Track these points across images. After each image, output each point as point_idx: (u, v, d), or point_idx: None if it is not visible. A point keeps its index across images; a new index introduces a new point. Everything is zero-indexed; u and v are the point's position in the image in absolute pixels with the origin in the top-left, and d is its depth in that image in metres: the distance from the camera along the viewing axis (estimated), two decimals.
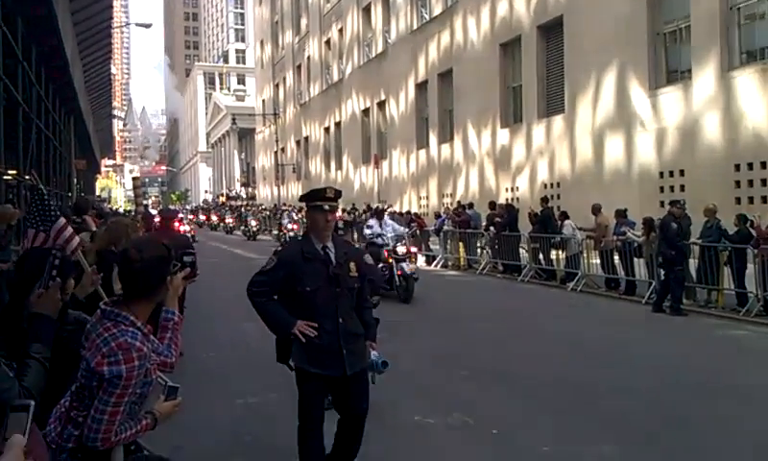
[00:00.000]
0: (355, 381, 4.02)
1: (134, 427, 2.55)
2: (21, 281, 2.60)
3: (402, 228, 16.21)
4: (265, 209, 45.23)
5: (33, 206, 3.44)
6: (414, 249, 16.45)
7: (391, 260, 13.53)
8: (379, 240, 13.91)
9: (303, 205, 4.17)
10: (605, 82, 20.08)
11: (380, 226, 14.37)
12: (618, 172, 19.69)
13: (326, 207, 3.98)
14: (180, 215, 31.26)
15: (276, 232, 31.74)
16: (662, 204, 16.60)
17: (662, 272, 12.05)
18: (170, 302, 2.84)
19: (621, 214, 14.58)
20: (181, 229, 27.53)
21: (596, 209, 15.32)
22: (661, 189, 18.15)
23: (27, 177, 15.69)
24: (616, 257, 14.48)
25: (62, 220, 3.46)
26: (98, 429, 2.41)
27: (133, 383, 2.44)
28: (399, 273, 13.28)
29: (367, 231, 14.57)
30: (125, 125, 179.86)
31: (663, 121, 18.21)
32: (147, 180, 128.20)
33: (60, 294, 2.56)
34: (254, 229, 36.05)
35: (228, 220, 43.03)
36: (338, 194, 4.11)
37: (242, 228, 39.36)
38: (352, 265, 4.08)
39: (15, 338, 2.34)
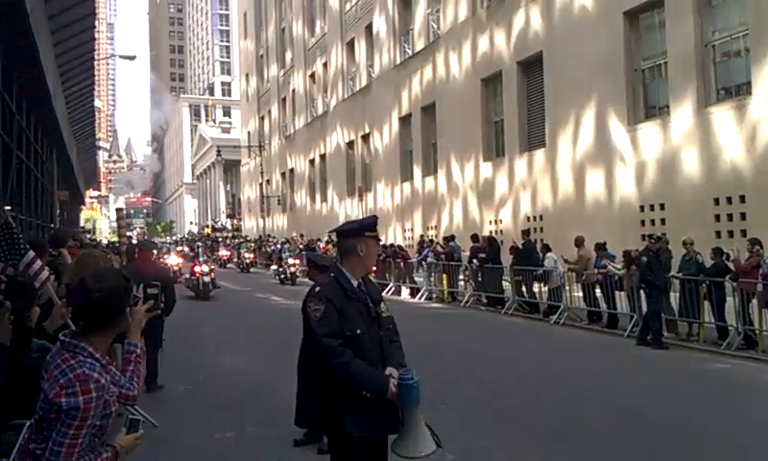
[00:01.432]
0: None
1: None
2: None
3: None
4: (251, 241, 44.97)
5: (1, 241, 3.42)
6: None
7: None
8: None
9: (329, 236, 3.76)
10: (585, 117, 20.33)
11: None
12: (599, 205, 19.86)
13: (378, 238, 3.71)
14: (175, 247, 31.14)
15: (275, 267, 29.54)
16: (644, 237, 16.73)
17: (645, 305, 12.12)
18: (132, 334, 2.81)
19: (601, 247, 14.67)
20: (170, 261, 27.08)
21: (579, 242, 15.39)
22: (642, 223, 18.31)
23: (8, 208, 15.61)
24: (598, 290, 14.54)
25: (31, 253, 3.44)
26: None
27: (91, 415, 2.39)
28: None
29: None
30: (110, 156, 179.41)
31: (643, 155, 18.43)
32: (132, 211, 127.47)
33: (25, 320, 2.53)
34: (247, 261, 35.74)
35: (247, 255, 37.92)
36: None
37: (235, 260, 38.85)
38: (383, 305, 3.70)
39: None
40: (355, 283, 3.55)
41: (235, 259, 38.95)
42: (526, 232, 18.00)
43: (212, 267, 22.62)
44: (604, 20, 19.40)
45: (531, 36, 22.81)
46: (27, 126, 19.24)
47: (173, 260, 26.95)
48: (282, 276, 26.99)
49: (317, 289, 3.60)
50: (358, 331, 3.41)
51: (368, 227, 3.67)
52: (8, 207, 15.59)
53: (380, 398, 3.34)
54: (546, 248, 16.55)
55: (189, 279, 22.23)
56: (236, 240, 49.56)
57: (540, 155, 22.60)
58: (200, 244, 33.28)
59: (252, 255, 36.93)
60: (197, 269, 21.64)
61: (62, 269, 6.45)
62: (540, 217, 22.50)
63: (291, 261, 27.09)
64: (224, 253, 41.10)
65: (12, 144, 16.00)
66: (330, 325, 3.38)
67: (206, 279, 21.28)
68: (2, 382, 2.20)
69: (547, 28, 21.97)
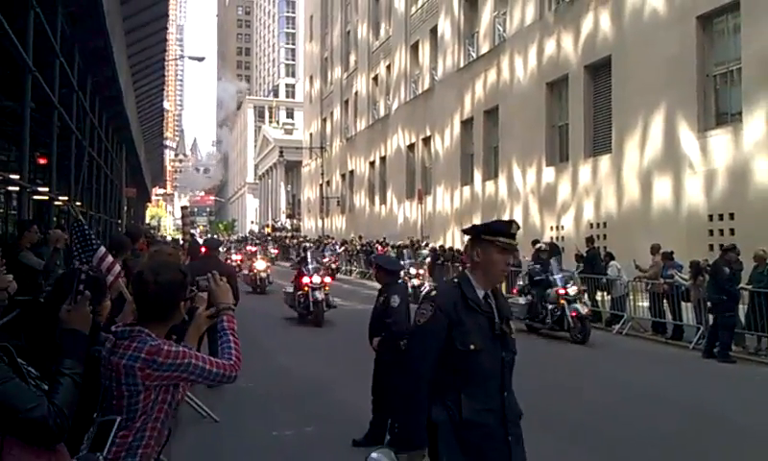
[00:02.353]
0: None
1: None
2: (53, 301, 2.63)
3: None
4: (309, 240, 45.51)
5: (74, 238, 3.52)
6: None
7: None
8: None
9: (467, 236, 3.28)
10: (653, 122, 19.82)
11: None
12: (666, 214, 19.31)
13: (508, 246, 3.16)
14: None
15: None
16: (711, 247, 16.20)
17: (711, 317, 11.73)
18: (190, 338, 2.84)
19: (668, 257, 14.29)
20: (234, 258, 28.49)
21: (655, 249, 15.01)
22: (710, 232, 17.71)
23: (78, 203, 16.15)
24: (664, 301, 14.16)
25: (103, 249, 3.53)
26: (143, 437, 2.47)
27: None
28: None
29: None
30: (176, 155, 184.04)
31: (713, 163, 17.84)
32: (196, 209, 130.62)
33: (95, 315, 2.59)
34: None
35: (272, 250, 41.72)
36: (517, 230, 3.25)
37: (288, 259, 39.86)
38: (511, 323, 3.27)
39: (49, 357, 2.35)
40: (481, 294, 3.13)
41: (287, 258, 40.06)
42: (590, 240, 17.67)
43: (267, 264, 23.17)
44: (676, 24, 18.87)
45: (599, 40, 22.38)
46: (99, 124, 19.85)
47: (235, 257, 28.56)
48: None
49: (432, 293, 3.29)
50: (472, 346, 3.00)
51: (483, 229, 3.23)
52: (78, 203, 16.12)
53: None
54: (610, 256, 16.21)
55: (248, 274, 23.04)
56: (295, 240, 50.31)
57: (605, 160, 22.13)
58: (308, 246, 26.48)
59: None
60: (304, 280, 15.57)
61: (133, 266, 6.63)
62: (604, 224, 22.03)
63: (329, 257, 29.23)
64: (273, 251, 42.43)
65: (85, 141, 16.53)
66: (427, 335, 3.05)
67: (319, 295, 15.35)
68: (82, 371, 2.26)
69: (616, 32, 21.51)
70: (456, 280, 3.22)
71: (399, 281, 7.09)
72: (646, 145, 20.12)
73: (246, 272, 24.06)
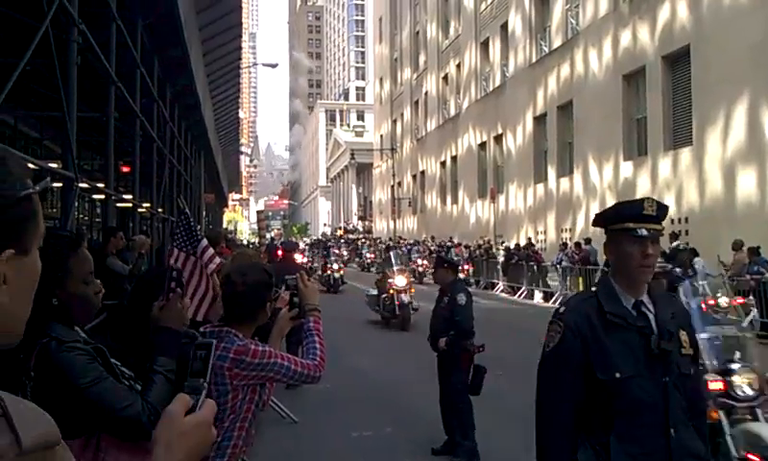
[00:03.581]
0: None
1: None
2: (139, 297, 2.69)
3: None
4: (382, 242, 45.72)
5: (179, 228, 3.63)
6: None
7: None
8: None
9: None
10: (736, 112, 19.01)
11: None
12: (751, 207, 18.49)
13: (643, 232, 2.37)
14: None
15: None
16: None
17: None
18: (273, 340, 2.85)
19: (755, 252, 13.70)
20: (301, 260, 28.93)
21: (737, 245, 14.43)
22: None
23: (160, 209, 16.69)
24: (751, 298, 13.56)
25: (205, 241, 3.64)
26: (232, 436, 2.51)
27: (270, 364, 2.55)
28: None
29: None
30: (251, 161, 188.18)
31: None
32: (270, 213, 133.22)
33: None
34: (368, 261, 36.66)
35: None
36: (662, 211, 2.45)
37: (356, 260, 40.14)
38: (684, 335, 2.47)
39: (136, 357, 2.41)
40: (629, 303, 2.40)
41: (356, 259, 40.79)
42: (674, 235, 17.10)
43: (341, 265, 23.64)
44: (758, 10, 18.05)
45: (677, 29, 21.63)
46: (178, 132, 20.48)
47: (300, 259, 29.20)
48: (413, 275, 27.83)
49: (561, 309, 2.52)
50: (617, 374, 2.30)
51: (611, 215, 2.52)
52: (160, 209, 16.65)
53: None
54: (693, 252, 15.64)
55: (321, 275, 23.83)
56: (364, 241, 50.76)
57: (686, 153, 21.38)
58: (392, 245, 29.89)
59: (371, 256, 38.05)
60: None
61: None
62: (686, 219, 21.26)
63: (420, 262, 28.63)
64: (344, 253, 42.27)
65: (166, 149, 17.08)
66: (556, 365, 2.40)
67: (405, 298, 15.26)
68: (176, 368, 2.30)
69: (695, 19, 20.75)
70: (594, 290, 2.56)
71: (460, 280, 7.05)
72: (729, 136, 19.33)
73: (320, 272, 25.17)
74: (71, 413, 1.96)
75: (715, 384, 4.48)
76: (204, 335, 2.58)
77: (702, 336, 4.54)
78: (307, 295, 2.85)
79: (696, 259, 15.13)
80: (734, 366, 4.55)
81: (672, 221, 21.59)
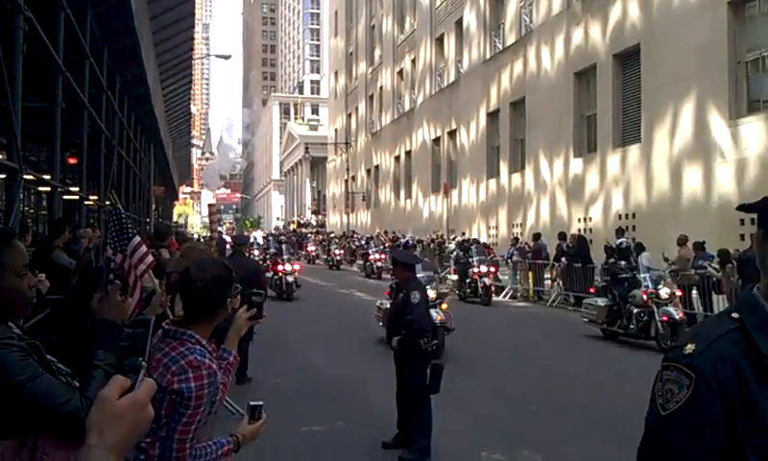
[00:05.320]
0: None
1: (215, 452, 2.46)
2: (83, 292, 2.60)
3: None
4: (338, 237, 45.25)
5: (110, 225, 3.52)
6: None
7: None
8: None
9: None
10: (683, 111, 19.50)
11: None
12: (696, 203, 19.01)
13: None
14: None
15: (360, 262, 30.92)
16: (743, 237, 15.91)
17: None
18: (230, 341, 2.79)
19: (699, 247, 14.08)
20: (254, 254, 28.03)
21: (682, 241, 14.78)
22: (742, 222, 17.34)
23: (107, 202, 16.33)
24: (694, 292, 13.94)
25: (138, 238, 3.52)
26: (170, 449, 2.35)
27: (204, 401, 2.39)
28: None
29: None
30: (203, 153, 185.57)
31: (744, 152, 17.50)
32: (222, 206, 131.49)
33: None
34: (338, 258, 35.63)
35: (337, 251, 36.63)
36: None
37: (323, 256, 39.06)
38: None
39: (81, 353, 2.33)
40: None
41: (323, 256, 39.26)
42: (620, 231, 17.47)
43: (296, 266, 20.96)
44: (706, 11, 18.52)
45: (628, 28, 22.07)
46: (128, 123, 20.04)
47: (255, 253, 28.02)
48: (369, 270, 28.39)
49: (687, 349, 1.46)
50: None
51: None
52: (107, 202, 16.30)
53: None
54: (640, 247, 16.00)
55: (272, 278, 19.78)
56: (320, 236, 50.17)
57: (634, 150, 21.85)
58: (283, 239, 30.47)
59: (341, 252, 36.74)
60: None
61: (162, 263, 6.68)
62: (633, 215, 21.75)
63: (376, 256, 28.53)
64: (311, 248, 41.17)
65: (114, 141, 16.70)
66: (686, 435, 1.41)
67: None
68: (115, 362, 2.22)
69: (645, 19, 21.19)
70: (735, 316, 1.51)
71: (418, 277, 7.02)
72: (676, 134, 19.82)
73: (270, 274, 19.80)
74: (6, 412, 1.89)
75: None
76: (167, 332, 2.50)
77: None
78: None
79: (643, 254, 15.50)
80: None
81: (620, 217, 22.10)
